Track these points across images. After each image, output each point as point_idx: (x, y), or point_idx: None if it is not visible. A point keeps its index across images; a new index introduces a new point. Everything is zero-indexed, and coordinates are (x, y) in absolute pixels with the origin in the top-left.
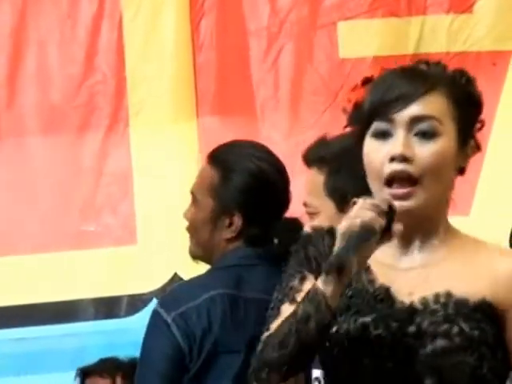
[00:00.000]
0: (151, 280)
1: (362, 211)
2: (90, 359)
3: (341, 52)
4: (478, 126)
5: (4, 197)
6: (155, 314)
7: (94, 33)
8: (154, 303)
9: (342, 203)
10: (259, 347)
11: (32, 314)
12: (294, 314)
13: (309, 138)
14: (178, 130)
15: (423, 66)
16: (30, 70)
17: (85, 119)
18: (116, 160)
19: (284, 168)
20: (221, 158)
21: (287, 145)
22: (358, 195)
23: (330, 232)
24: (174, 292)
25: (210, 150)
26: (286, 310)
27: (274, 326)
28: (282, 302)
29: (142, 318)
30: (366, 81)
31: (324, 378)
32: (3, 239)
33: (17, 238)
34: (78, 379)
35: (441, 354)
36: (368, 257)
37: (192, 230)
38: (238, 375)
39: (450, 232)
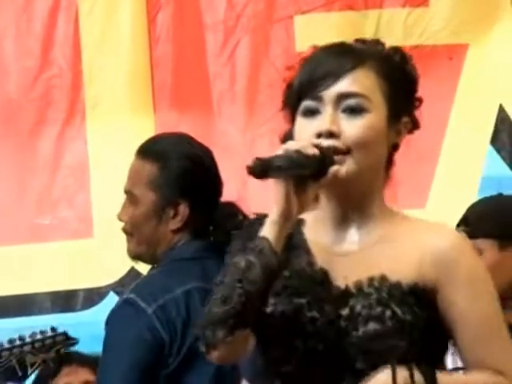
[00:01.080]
0: (108, 274)
1: (296, 143)
2: None
3: (297, 45)
4: (416, 104)
5: None
6: (130, 302)
7: (51, 26)
8: (110, 297)
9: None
10: (205, 309)
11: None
12: (235, 264)
13: (265, 131)
14: (135, 123)
15: (355, 43)
16: None
17: (41, 112)
18: (72, 153)
19: (212, 154)
20: (153, 149)
21: (243, 138)
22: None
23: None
24: (148, 283)
25: None
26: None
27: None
28: (224, 276)
29: (99, 312)
30: (302, 60)
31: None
32: None
33: None
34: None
35: (373, 338)
36: (307, 199)
37: (132, 229)
38: (217, 371)
39: (385, 213)
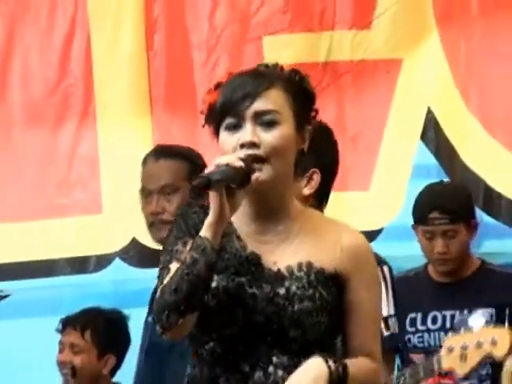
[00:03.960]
0: (114, 243)
1: (225, 158)
2: (66, 306)
3: (266, 60)
4: (313, 114)
5: None
6: None
7: (67, 44)
8: (116, 261)
9: None
10: (157, 295)
11: (21, 269)
12: (183, 262)
13: None
14: (136, 123)
15: (262, 68)
16: (16, 73)
17: (60, 114)
18: (85, 147)
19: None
20: (172, 151)
21: None
22: None
23: (203, 207)
24: None
25: (161, 139)
26: (174, 266)
27: (167, 279)
28: (170, 262)
29: (107, 274)
30: (218, 85)
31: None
32: (4, 211)
33: (7, 209)
34: (60, 327)
35: (305, 314)
36: (237, 201)
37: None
38: None
39: (298, 210)
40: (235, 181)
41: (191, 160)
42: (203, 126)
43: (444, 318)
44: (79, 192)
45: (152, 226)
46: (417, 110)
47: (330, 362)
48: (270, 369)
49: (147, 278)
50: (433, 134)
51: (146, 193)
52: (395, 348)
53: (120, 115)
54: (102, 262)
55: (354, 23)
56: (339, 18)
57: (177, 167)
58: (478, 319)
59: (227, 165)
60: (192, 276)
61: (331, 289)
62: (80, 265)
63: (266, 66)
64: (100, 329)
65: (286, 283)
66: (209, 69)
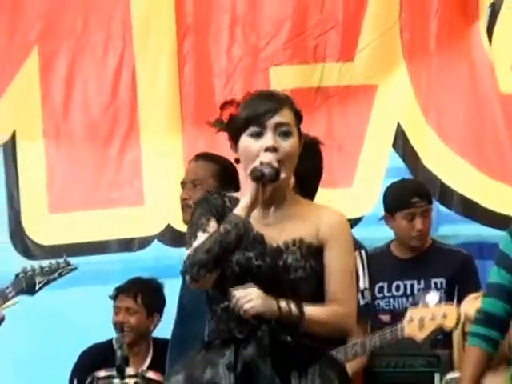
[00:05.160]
0: (153, 228)
1: (266, 159)
2: (116, 277)
3: (272, 86)
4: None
5: (64, 178)
6: None
7: (117, 75)
8: (155, 243)
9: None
10: (190, 254)
11: (83, 248)
12: (216, 232)
13: None
14: (170, 136)
15: (274, 91)
16: (77, 98)
17: (111, 129)
18: (131, 154)
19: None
20: (210, 156)
21: None
22: None
23: (219, 194)
24: None
25: (191, 150)
26: (201, 236)
27: (196, 243)
28: (196, 231)
29: (148, 252)
30: (232, 101)
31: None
32: (68, 204)
33: (73, 202)
34: (114, 294)
35: (298, 280)
36: (265, 194)
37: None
38: None
39: (294, 198)
40: (272, 177)
41: (221, 163)
42: (217, 132)
43: (405, 286)
44: (126, 189)
45: (182, 209)
46: (389, 124)
47: (283, 303)
48: (273, 322)
49: (178, 255)
50: (401, 143)
51: (183, 184)
52: (369, 315)
53: (157, 130)
54: (144, 243)
55: (341, 57)
56: (329, 53)
57: (207, 167)
58: (433, 297)
59: (269, 164)
60: (224, 243)
61: (318, 260)
62: (127, 245)
63: (272, 92)
64: (147, 294)
65: (284, 256)
66: (227, 92)
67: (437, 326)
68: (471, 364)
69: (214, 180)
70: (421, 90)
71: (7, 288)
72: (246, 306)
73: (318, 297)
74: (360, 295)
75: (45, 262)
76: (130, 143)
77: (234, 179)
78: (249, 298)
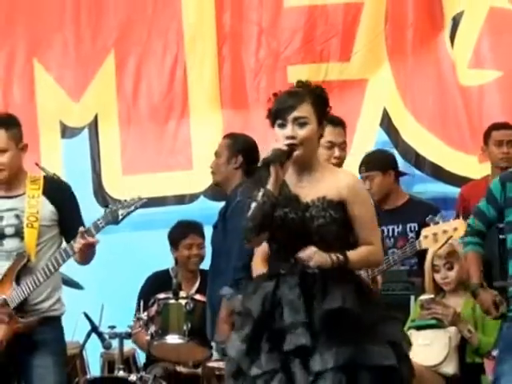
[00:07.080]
0: (200, 185)
1: (277, 145)
2: (172, 224)
3: (289, 80)
4: (329, 110)
5: (134, 149)
6: None
7: (173, 71)
8: (202, 198)
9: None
10: (245, 223)
11: (148, 202)
12: (257, 202)
13: None
14: (212, 118)
15: (296, 88)
16: (143, 89)
17: (168, 112)
18: (183, 131)
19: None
20: (230, 135)
21: (264, 126)
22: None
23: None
24: None
25: (228, 128)
26: (253, 206)
27: (250, 212)
28: (251, 203)
29: (196, 205)
30: (275, 95)
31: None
32: (136, 168)
33: (140, 167)
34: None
35: (321, 226)
36: (286, 168)
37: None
38: None
39: (319, 164)
40: (283, 157)
41: (236, 140)
42: (267, 117)
43: (388, 229)
44: (180, 157)
45: (212, 173)
46: (377, 108)
47: (332, 255)
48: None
49: (217, 207)
50: (386, 123)
51: (215, 154)
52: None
53: (203, 113)
54: (193, 197)
55: (341, 58)
56: (332, 55)
57: (228, 143)
58: (443, 218)
59: (279, 149)
60: (263, 211)
61: (337, 211)
62: (180, 199)
63: (302, 83)
64: (201, 231)
65: (310, 209)
66: (256, 84)
67: (448, 237)
68: (473, 265)
69: (228, 152)
70: (400, 83)
71: (98, 220)
72: (311, 263)
73: (341, 241)
74: None
75: (124, 199)
76: (182, 123)
77: (246, 152)
78: (310, 255)
